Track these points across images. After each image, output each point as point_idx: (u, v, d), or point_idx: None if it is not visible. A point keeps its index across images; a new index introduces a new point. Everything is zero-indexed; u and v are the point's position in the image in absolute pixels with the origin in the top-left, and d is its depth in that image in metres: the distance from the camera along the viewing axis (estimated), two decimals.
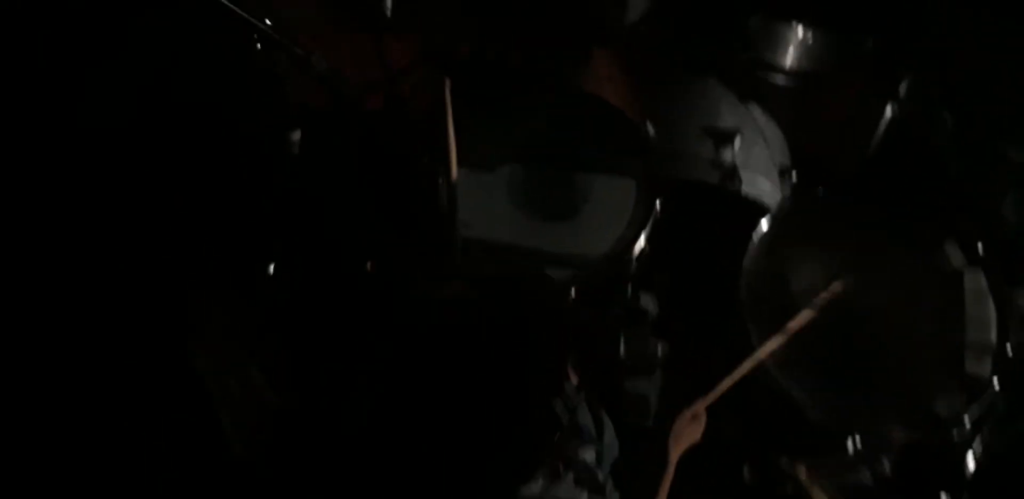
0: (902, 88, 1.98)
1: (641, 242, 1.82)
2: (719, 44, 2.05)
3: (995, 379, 1.64)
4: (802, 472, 1.60)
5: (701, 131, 2.09)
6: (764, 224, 1.84)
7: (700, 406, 1.46)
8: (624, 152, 1.86)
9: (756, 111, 2.18)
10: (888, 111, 2.00)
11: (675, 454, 1.34)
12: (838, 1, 1.92)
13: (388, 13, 1.88)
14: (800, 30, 2.02)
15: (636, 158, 1.87)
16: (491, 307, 0.95)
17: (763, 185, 2.05)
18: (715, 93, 2.17)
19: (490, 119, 1.89)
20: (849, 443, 1.69)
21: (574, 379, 1.12)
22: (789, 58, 2.06)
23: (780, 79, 2.06)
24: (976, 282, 1.69)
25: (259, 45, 1.36)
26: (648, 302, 1.84)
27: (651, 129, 1.86)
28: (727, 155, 2.06)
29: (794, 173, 2.04)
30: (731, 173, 2.04)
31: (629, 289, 1.83)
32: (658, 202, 1.85)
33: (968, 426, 1.62)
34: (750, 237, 1.88)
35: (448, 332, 0.93)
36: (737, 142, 2.06)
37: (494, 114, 1.89)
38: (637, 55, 2.10)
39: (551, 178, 1.87)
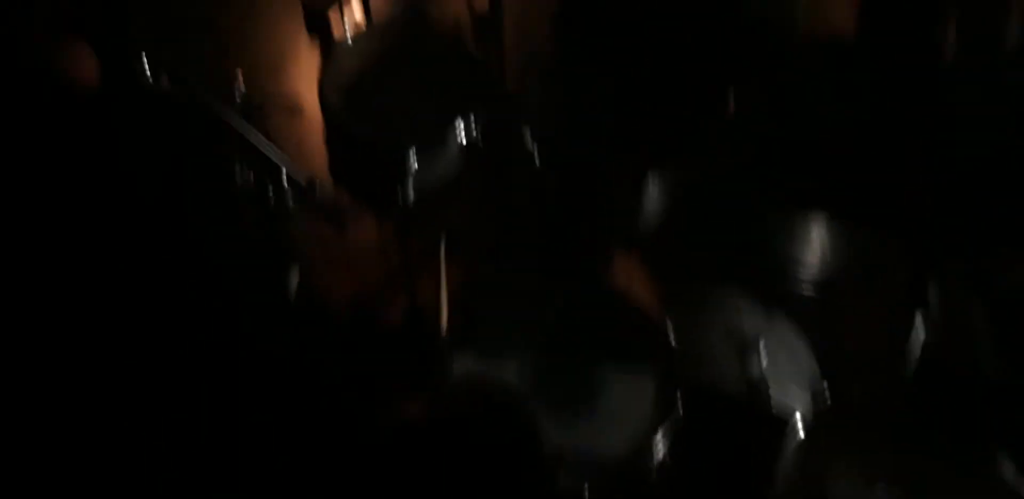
0: (932, 295, 1.91)
1: (661, 444, 1.68)
2: (739, 248, 2.03)
3: None
4: None
5: (723, 337, 2.02)
6: (797, 433, 1.71)
7: None
8: (643, 351, 1.78)
9: (779, 319, 2.11)
10: (919, 320, 1.92)
11: None
12: (864, 199, 1.91)
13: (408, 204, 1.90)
14: (822, 231, 2.00)
15: (656, 358, 1.78)
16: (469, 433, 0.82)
17: (793, 393, 1.95)
18: (736, 300, 2.12)
19: (507, 306, 1.84)
20: None
21: None
22: (812, 260, 2.03)
23: (804, 284, 2.01)
24: None
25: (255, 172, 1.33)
26: None
27: (672, 333, 1.79)
28: (752, 361, 1.97)
29: (825, 383, 1.93)
30: (758, 380, 1.94)
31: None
32: (680, 404, 1.74)
33: None
34: (780, 446, 1.73)
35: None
36: (762, 349, 1.98)
37: (512, 301, 1.84)
38: (656, 259, 2.09)
39: (565, 370, 1.77)
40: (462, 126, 1.87)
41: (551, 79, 1.96)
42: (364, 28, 2.23)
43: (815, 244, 1.98)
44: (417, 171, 1.84)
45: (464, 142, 1.86)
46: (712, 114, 1.96)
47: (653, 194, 1.98)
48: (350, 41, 1.92)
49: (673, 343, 1.80)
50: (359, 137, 1.82)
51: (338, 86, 1.85)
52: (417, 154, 1.84)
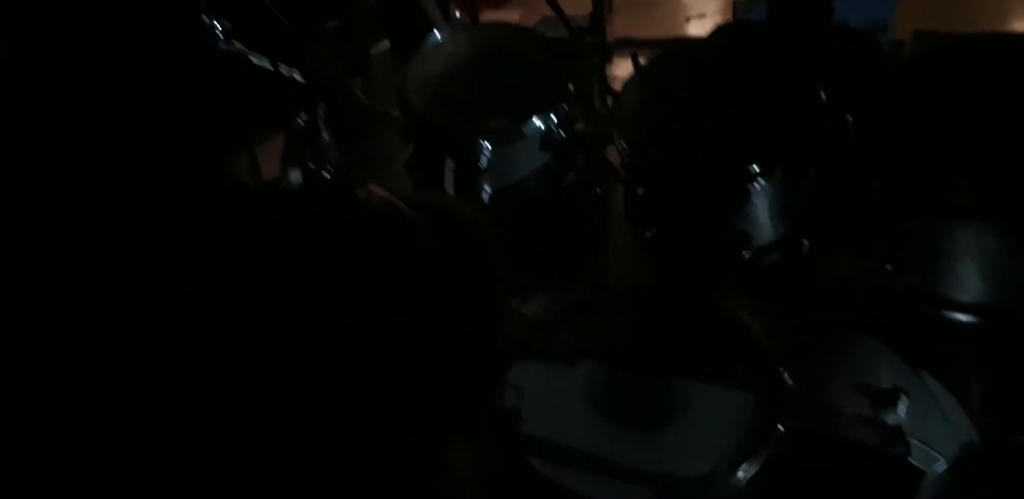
0: None
1: (745, 475, 1.36)
2: (873, 279, 1.72)
3: None
4: None
5: (852, 389, 1.70)
6: (941, 475, 1.34)
7: None
8: (744, 375, 1.49)
9: (927, 378, 1.77)
10: None
11: None
12: None
13: None
14: (983, 245, 1.66)
15: (760, 377, 1.49)
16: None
17: (936, 446, 1.57)
18: (873, 352, 1.80)
19: (582, 309, 1.62)
20: None
21: None
22: (971, 288, 1.68)
23: (963, 317, 1.66)
24: None
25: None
26: None
27: (787, 378, 1.50)
28: (890, 417, 1.63)
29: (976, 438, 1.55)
30: (896, 437, 1.59)
31: None
32: (780, 430, 1.41)
33: None
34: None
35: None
36: (903, 405, 1.64)
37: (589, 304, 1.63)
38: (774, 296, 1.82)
39: (642, 382, 1.50)
40: (542, 122, 1.74)
41: (650, 85, 1.81)
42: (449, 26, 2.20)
43: (979, 261, 1.64)
44: (494, 165, 1.71)
45: (546, 138, 1.72)
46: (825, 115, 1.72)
47: (765, 208, 1.74)
48: (436, 39, 1.87)
49: (786, 378, 1.49)
50: (436, 128, 1.72)
51: (421, 83, 1.79)
52: (494, 146, 1.71)
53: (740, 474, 1.38)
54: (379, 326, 0.57)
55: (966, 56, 1.69)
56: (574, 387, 1.51)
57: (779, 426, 1.43)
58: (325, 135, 1.66)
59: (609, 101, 1.85)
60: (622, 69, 1.80)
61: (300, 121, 1.43)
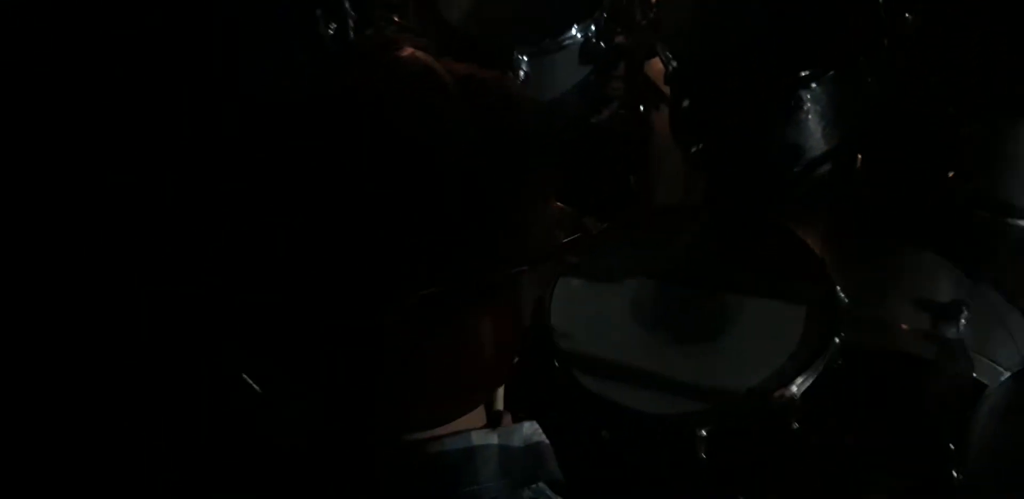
0: None
1: (803, 382, 1.32)
2: (934, 187, 1.64)
3: None
4: None
5: (912, 303, 1.64)
6: (1004, 383, 1.29)
7: None
8: (799, 289, 1.44)
9: (989, 290, 1.70)
10: None
11: None
12: None
13: None
14: None
15: (815, 290, 1.44)
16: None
17: (999, 359, 1.52)
18: (933, 266, 1.73)
19: (631, 227, 1.58)
20: None
21: None
22: None
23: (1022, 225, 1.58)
24: None
25: None
26: None
27: (843, 296, 1.44)
28: (951, 331, 1.57)
29: None
30: (956, 352, 1.54)
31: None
32: (837, 343, 1.37)
33: None
34: (974, 410, 1.32)
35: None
36: (964, 319, 1.59)
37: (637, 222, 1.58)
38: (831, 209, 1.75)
39: (691, 295, 1.47)
40: (581, 33, 1.67)
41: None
42: None
43: None
44: (533, 80, 1.65)
45: (585, 50, 1.65)
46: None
47: (818, 117, 1.66)
48: None
49: (841, 295, 1.44)
50: (471, 42, 1.66)
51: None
52: (532, 61, 1.64)
53: (794, 388, 1.34)
54: (402, 189, 0.55)
55: None
56: (622, 303, 1.48)
57: (835, 340, 1.39)
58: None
59: (649, 12, 1.77)
60: None
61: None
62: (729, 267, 1.51)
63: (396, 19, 1.72)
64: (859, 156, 1.70)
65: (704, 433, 1.27)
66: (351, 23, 1.44)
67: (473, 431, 0.63)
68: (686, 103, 1.67)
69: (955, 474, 1.21)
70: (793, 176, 1.69)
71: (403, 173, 0.57)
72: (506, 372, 0.65)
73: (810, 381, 1.34)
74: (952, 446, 1.25)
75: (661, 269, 1.50)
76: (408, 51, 0.60)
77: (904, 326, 1.62)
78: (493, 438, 0.64)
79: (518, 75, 1.62)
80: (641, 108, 1.73)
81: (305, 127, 0.58)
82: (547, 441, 0.67)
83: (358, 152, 0.57)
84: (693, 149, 1.70)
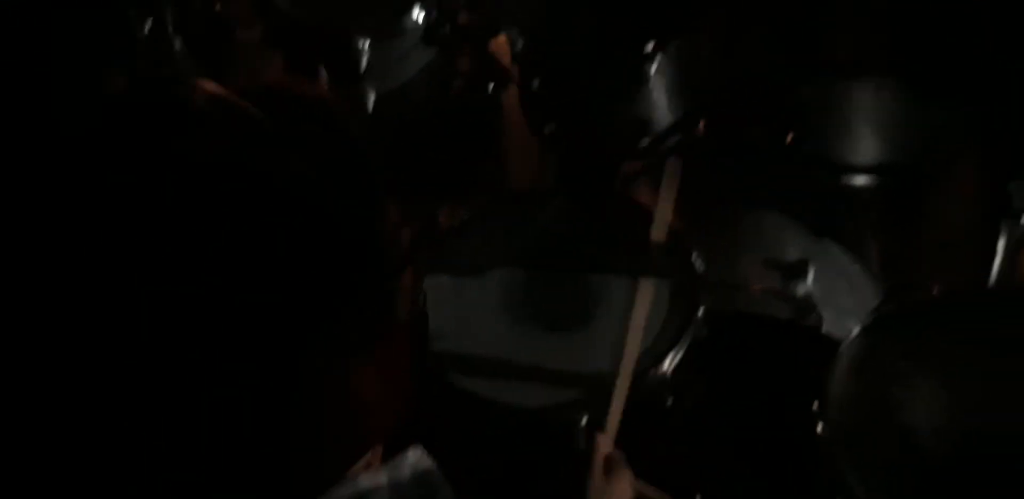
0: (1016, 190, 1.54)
1: (672, 364, 1.36)
2: (774, 150, 1.70)
3: None
4: None
5: (762, 263, 1.70)
6: (855, 338, 1.36)
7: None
8: (655, 263, 1.46)
9: (832, 246, 1.79)
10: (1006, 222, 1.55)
11: None
12: (940, 60, 1.52)
13: None
14: (879, 102, 1.64)
15: (673, 263, 1.47)
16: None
17: (848, 314, 1.60)
18: (777, 224, 1.80)
19: (488, 215, 1.56)
20: None
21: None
22: (867, 149, 1.68)
23: (860, 180, 1.66)
24: None
25: None
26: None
27: (699, 262, 1.47)
28: (799, 288, 1.65)
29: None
30: (807, 308, 1.61)
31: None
32: (700, 313, 1.41)
33: None
34: (833, 366, 1.38)
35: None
36: (810, 276, 1.66)
37: (495, 206, 1.57)
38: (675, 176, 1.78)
39: (557, 281, 1.47)
40: (424, 14, 1.61)
41: None
42: None
43: (875, 121, 1.62)
44: (375, 67, 1.58)
45: (429, 32, 1.60)
46: None
47: (662, 89, 1.68)
48: None
49: (696, 262, 1.47)
50: (305, 28, 1.57)
51: None
52: (373, 45, 1.58)
53: (665, 364, 1.38)
54: (244, 233, 0.49)
55: None
56: (488, 295, 1.47)
57: (697, 311, 1.43)
58: (175, 43, 1.51)
59: None
60: None
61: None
62: (590, 248, 1.53)
63: (218, 7, 1.61)
64: (701, 123, 1.73)
65: (584, 422, 1.29)
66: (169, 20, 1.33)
67: (360, 475, 0.62)
68: (535, 82, 1.66)
69: (820, 431, 1.27)
70: (642, 149, 1.72)
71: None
72: (398, 412, 0.63)
73: (679, 355, 1.38)
74: (815, 403, 1.32)
75: (524, 257, 1.50)
76: (197, 86, 0.54)
77: (756, 287, 1.69)
78: (382, 478, 0.63)
79: (359, 62, 1.56)
80: (490, 89, 1.71)
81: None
82: (433, 466, 0.67)
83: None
84: (546, 130, 1.69)
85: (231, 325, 0.50)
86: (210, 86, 0.53)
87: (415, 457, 0.65)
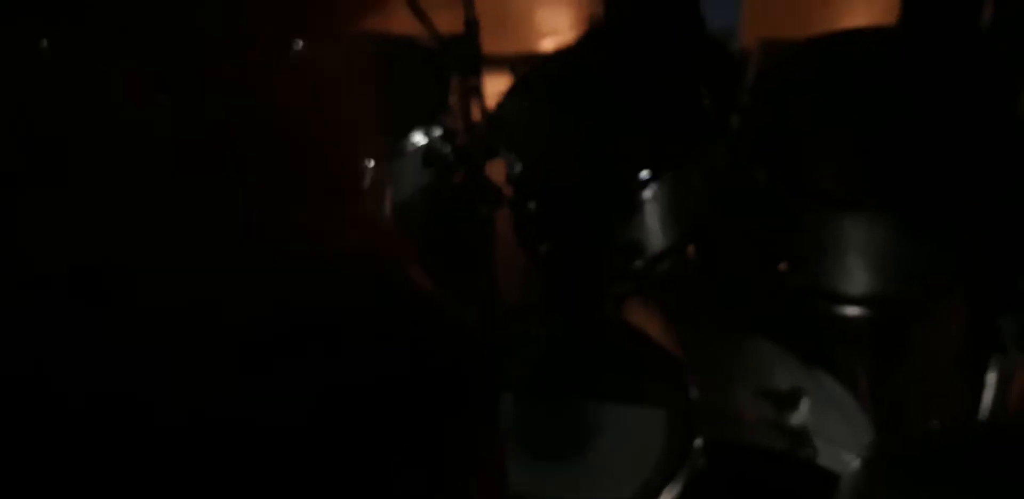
0: (1006, 324, 1.56)
1: (671, 490, 1.31)
2: (766, 279, 1.71)
3: None
4: None
5: (755, 393, 1.69)
6: (856, 470, 1.33)
7: None
8: (654, 393, 1.44)
9: (823, 376, 1.78)
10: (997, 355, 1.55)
11: None
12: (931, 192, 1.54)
13: None
14: (870, 234, 1.67)
15: (670, 390, 1.44)
16: None
17: (848, 460, 1.57)
18: (769, 353, 1.80)
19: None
20: None
21: None
22: (858, 280, 1.69)
23: (851, 311, 1.67)
24: None
25: None
26: None
27: (692, 382, 1.46)
28: (794, 419, 1.63)
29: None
30: (802, 438, 1.59)
31: None
32: (698, 443, 1.38)
33: None
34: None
35: None
36: (804, 406, 1.65)
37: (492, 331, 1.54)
38: (668, 298, 1.79)
39: (553, 410, 1.43)
40: (424, 136, 1.65)
41: (531, 98, 1.74)
42: None
43: (866, 252, 1.64)
44: (374, 183, 1.59)
45: (428, 154, 1.63)
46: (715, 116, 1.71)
47: (655, 214, 1.70)
48: None
49: (693, 390, 1.45)
50: None
51: None
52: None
53: (663, 496, 1.33)
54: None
55: (814, 58, 1.72)
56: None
57: (695, 442, 1.40)
58: None
59: (487, 112, 1.78)
60: (490, 84, 1.73)
61: None
62: (583, 374, 1.50)
63: None
64: (692, 250, 1.75)
65: None
66: None
67: None
68: (531, 205, 1.68)
69: None
70: (635, 273, 1.72)
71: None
72: None
73: (679, 487, 1.33)
74: None
75: (514, 381, 1.47)
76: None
77: (751, 417, 1.66)
78: None
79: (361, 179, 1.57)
80: (485, 210, 1.72)
81: None
82: None
83: None
84: (540, 250, 1.70)
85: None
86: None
87: None
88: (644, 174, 1.63)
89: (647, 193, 1.66)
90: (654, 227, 1.72)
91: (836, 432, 1.66)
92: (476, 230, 1.70)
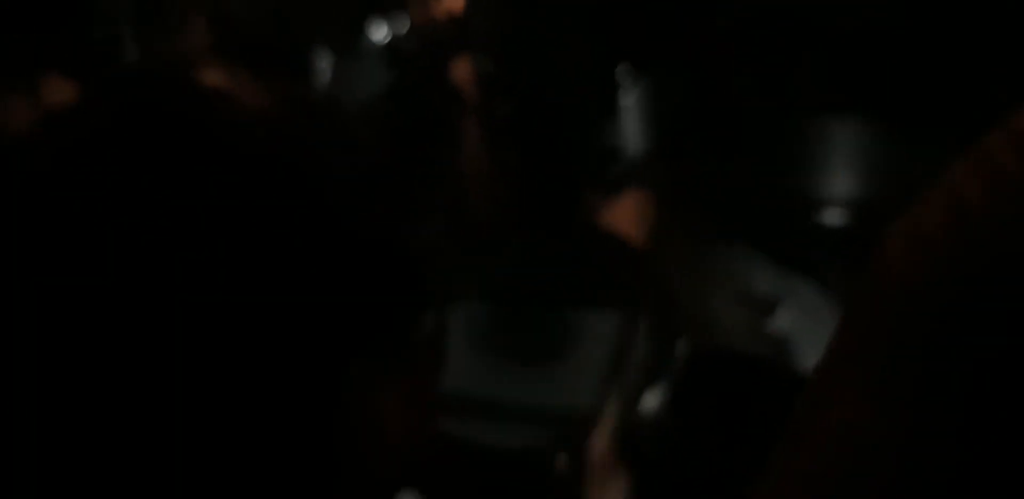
0: None
1: (651, 403, 1.28)
2: (749, 178, 1.65)
3: None
4: None
5: (733, 299, 1.65)
6: None
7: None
8: (633, 288, 1.39)
9: (802, 282, 1.75)
10: None
11: None
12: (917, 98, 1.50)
13: None
14: (856, 139, 1.62)
15: (647, 295, 1.40)
16: None
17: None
18: (749, 261, 1.76)
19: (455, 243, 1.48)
20: None
21: None
22: (842, 186, 1.64)
23: (833, 218, 1.62)
24: None
25: None
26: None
27: (672, 294, 1.41)
28: (772, 325, 1.60)
29: None
30: (782, 344, 1.56)
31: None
32: (679, 348, 1.33)
33: None
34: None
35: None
36: (783, 312, 1.62)
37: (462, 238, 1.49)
38: (647, 199, 1.74)
39: (530, 317, 1.39)
40: (388, 31, 1.54)
41: None
42: None
43: (851, 157, 1.59)
44: (335, 85, 1.50)
45: (391, 51, 1.53)
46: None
47: (634, 117, 1.63)
48: None
49: (671, 295, 1.40)
50: (260, 42, 1.49)
51: None
52: (334, 63, 1.50)
53: (643, 403, 1.29)
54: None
55: None
56: (454, 331, 1.38)
57: (676, 346, 1.36)
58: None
59: (451, 10, 1.67)
60: None
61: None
62: (559, 279, 1.46)
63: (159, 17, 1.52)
64: (675, 154, 1.69)
65: (564, 460, 1.20)
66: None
67: None
68: (502, 107, 1.60)
69: None
70: (614, 178, 1.66)
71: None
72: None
73: (658, 394, 1.30)
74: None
75: (491, 289, 1.42)
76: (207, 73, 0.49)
77: (728, 324, 1.63)
78: None
79: (313, 82, 1.48)
80: (452, 112, 1.64)
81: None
82: None
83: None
84: (510, 154, 1.62)
85: (255, 328, 0.46)
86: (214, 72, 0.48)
87: None
88: (625, 73, 1.55)
89: (625, 93, 1.58)
90: (633, 130, 1.65)
91: (814, 339, 1.64)
92: (441, 135, 1.62)
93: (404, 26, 1.59)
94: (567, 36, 1.59)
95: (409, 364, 0.53)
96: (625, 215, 1.57)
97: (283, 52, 1.51)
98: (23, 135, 0.55)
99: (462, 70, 1.66)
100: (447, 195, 1.77)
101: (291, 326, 0.46)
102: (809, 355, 1.60)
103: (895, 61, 1.51)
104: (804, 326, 1.66)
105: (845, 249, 1.77)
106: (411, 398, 0.52)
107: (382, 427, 0.51)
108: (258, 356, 0.45)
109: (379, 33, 1.57)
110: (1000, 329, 0.35)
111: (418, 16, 1.62)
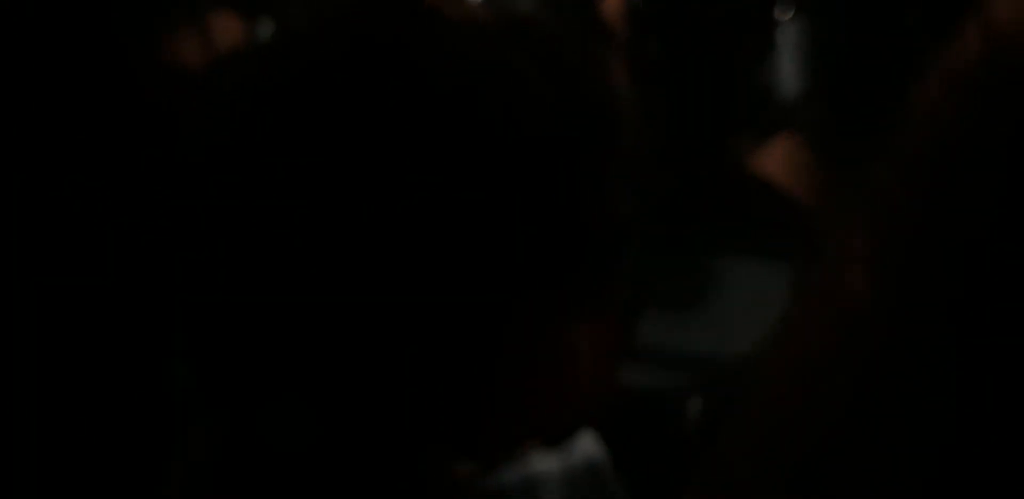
0: None
1: None
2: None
3: None
4: None
5: None
6: None
7: None
8: (782, 236, 1.35)
9: None
10: None
11: None
12: None
13: None
14: None
15: (796, 243, 1.35)
16: None
17: None
18: None
19: None
20: None
21: None
22: None
23: None
24: None
25: None
26: None
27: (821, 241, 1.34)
28: None
29: None
30: None
31: None
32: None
33: None
34: None
35: None
36: None
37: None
38: (803, 149, 1.66)
39: (673, 262, 1.36)
40: None
41: None
42: None
43: None
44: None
45: None
46: None
47: (791, 53, 1.55)
48: None
49: (819, 242, 1.34)
50: None
51: None
52: None
53: None
54: None
55: None
56: None
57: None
58: None
59: None
60: None
61: None
62: (706, 224, 1.42)
63: None
64: (834, 97, 1.61)
65: (700, 405, 1.19)
66: None
67: (534, 456, 0.54)
68: (653, 43, 1.55)
69: None
70: (768, 121, 1.60)
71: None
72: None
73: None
74: None
75: (637, 234, 1.40)
76: None
77: None
78: (553, 463, 0.55)
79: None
80: (600, 46, 1.59)
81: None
82: (605, 455, 0.60)
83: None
84: (659, 92, 1.58)
85: (444, 256, 0.48)
86: None
87: (587, 444, 0.58)
88: (783, 8, 1.48)
89: (784, 31, 1.51)
90: (789, 71, 1.58)
91: None
92: (591, 69, 1.57)
93: None
94: None
95: (609, 308, 0.54)
96: (778, 160, 1.51)
97: None
98: (195, 75, 0.57)
99: (612, 4, 1.61)
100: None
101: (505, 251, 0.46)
102: None
103: None
104: None
105: None
106: (605, 343, 0.53)
107: (576, 369, 0.52)
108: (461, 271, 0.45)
109: None
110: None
111: None
